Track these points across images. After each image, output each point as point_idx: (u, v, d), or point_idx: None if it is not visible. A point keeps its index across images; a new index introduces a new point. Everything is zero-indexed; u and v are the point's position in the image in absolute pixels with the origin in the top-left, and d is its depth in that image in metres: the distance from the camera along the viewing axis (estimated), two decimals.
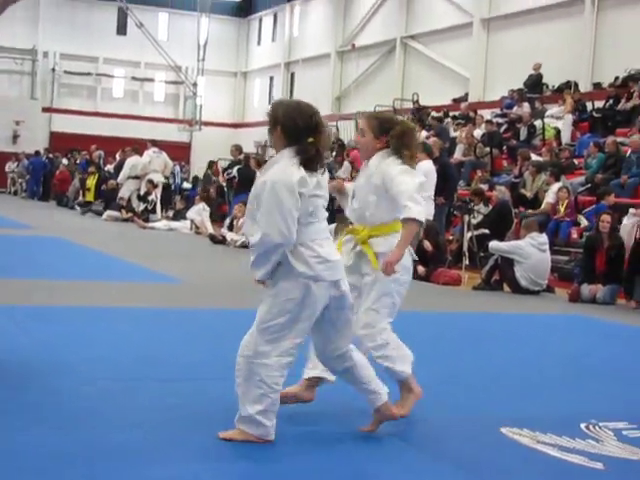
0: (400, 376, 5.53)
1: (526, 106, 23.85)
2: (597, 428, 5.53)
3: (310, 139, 4.64)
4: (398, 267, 5.21)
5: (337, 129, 31.29)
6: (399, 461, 4.71)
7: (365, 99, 34.95)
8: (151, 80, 45.66)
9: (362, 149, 5.70)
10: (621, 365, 8.26)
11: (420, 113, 27.70)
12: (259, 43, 47.23)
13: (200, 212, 22.42)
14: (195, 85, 42.35)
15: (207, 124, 43.30)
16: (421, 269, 14.76)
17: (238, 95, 48.17)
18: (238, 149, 23.33)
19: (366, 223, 5.54)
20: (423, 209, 5.22)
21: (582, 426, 5.55)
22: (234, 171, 21.97)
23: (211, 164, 30.04)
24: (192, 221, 22.62)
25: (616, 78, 23.29)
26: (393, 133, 5.49)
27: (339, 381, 5.26)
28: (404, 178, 5.32)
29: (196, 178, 32.00)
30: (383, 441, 5.01)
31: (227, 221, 20.56)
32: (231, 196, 22.10)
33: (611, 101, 22.03)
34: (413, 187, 5.27)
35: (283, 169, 4.65)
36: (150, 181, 24.83)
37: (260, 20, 47.12)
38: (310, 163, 4.66)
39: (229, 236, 19.45)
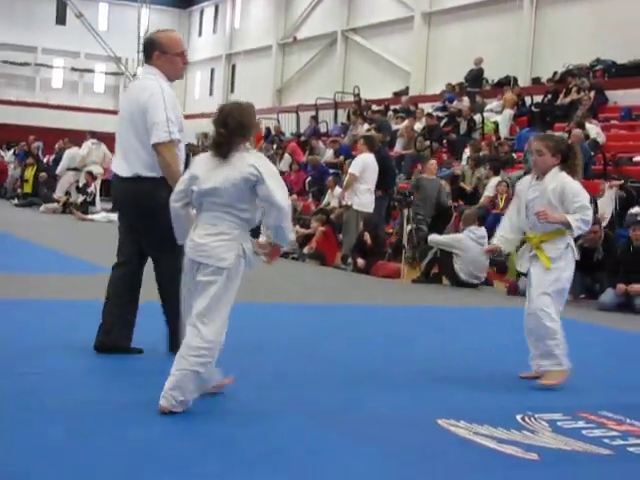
0: (561, 364, 6.76)
1: (466, 100, 24.01)
2: (533, 420, 5.58)
3: (221, 130, 5.27)
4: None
5: (278, 122, 31.23)
6: (328, 445, 4.70)
7: (306, 92, 34.96)
8: (91, 71, 45.24)
9: (539, 166, 6.80)
10: None
11: (361, 106, 27.75)
12: (200, 34, 47.02)
13: None
14: (135, 76, 41.94)
15: None
16: (360, 261, 14.84)
17: (179, 87, 47.71)
18: None
19: (537, 231, 6.79)
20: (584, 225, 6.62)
21: (518, 417, 5.59)
22: None
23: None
24: None
25: (555, 73, 23.55)
26: (574, 154, 6.76)
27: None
28: (584, 195, 6.65)
29: None
30: (312, 426, 5.02)
31: None
32: None
33: (550, 96, 22.25)
34: (587, 206, 6.62)
35: None
36: (89, 173, 24.55)
37: (201, 11, 46.90)
38: (212, 148, 5.41)
39: None
